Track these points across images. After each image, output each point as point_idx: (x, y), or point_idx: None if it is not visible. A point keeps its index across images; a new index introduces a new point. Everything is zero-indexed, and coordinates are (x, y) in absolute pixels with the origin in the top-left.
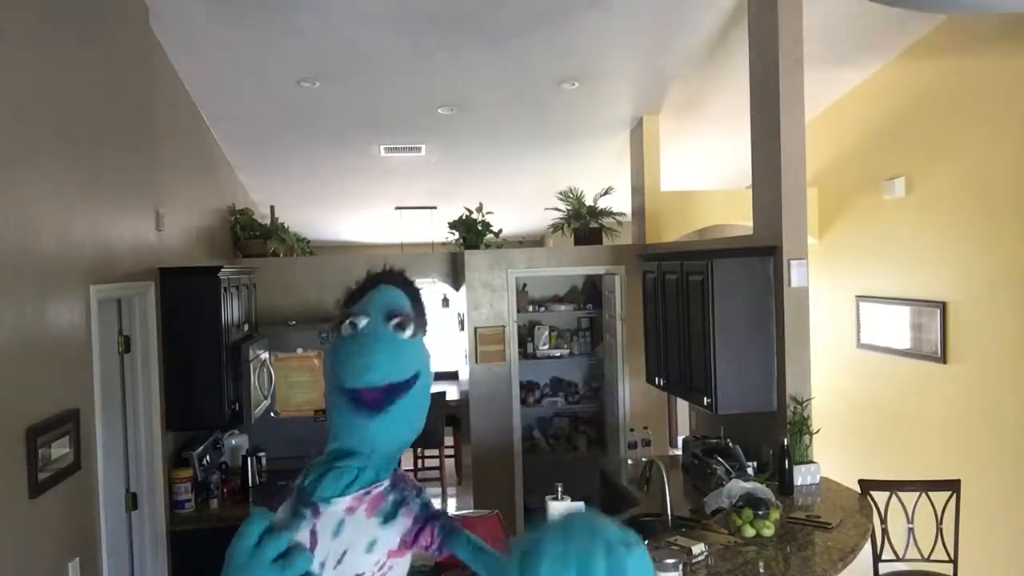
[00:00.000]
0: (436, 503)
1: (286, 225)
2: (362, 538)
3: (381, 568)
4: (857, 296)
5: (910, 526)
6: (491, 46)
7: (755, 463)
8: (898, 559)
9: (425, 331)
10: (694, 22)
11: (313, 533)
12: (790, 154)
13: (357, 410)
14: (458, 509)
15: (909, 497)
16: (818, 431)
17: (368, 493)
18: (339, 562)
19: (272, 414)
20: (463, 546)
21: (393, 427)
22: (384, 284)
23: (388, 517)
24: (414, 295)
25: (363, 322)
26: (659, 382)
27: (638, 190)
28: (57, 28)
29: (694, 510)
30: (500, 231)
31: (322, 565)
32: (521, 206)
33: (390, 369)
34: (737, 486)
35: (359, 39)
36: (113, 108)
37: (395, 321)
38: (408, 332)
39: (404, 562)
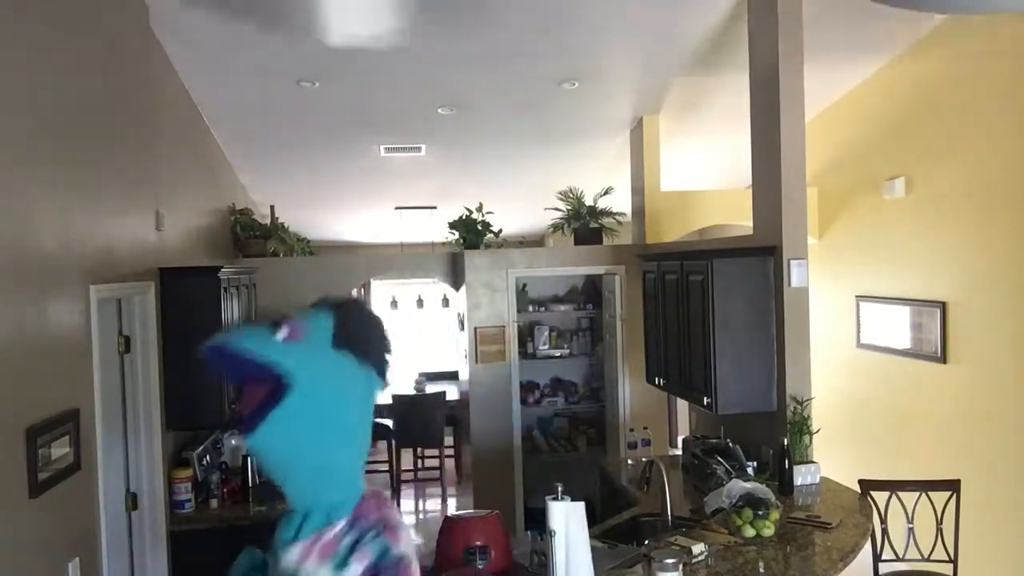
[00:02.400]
0: (436, 504)
1: (286, 225)
2: None
3: None
4: (857, 296)
5: (910, 526)
6: (491, 46)
7: (755, 463)
8: (898, 559)
9: (357, 348)
10: (694, 22)
11: None
12: (790, 154)
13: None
14: (458, 509)
15: (909, 497)
16: (818, 431)
17: (319, 538)
18: None
19: None
20: None
21: (273, 449)
22: (317, 309)
23: (340, 564)
24: (346, 319)
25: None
26: (659, 382)
27: (638, 190)
28: (57, 28)
29: (694, 510)
30: (500, 231)
31: None
32: (521, 206)
33: (239, 338)
34: (737, 486)
35: (359, 39)
36: (113, 108)
37: (273, 322)
38: (282, 333)
39: None
